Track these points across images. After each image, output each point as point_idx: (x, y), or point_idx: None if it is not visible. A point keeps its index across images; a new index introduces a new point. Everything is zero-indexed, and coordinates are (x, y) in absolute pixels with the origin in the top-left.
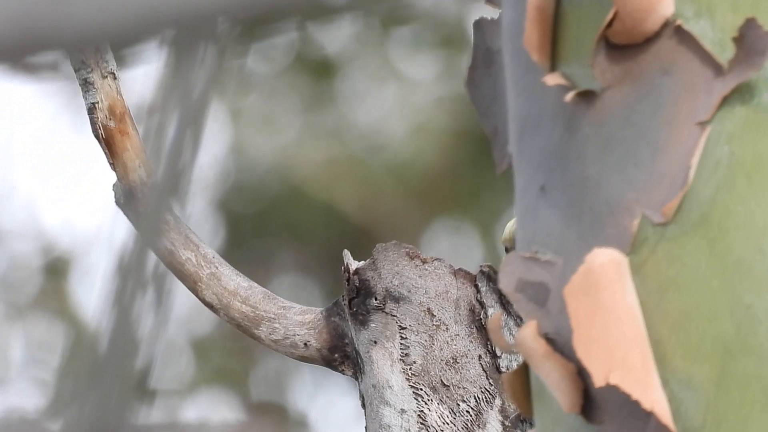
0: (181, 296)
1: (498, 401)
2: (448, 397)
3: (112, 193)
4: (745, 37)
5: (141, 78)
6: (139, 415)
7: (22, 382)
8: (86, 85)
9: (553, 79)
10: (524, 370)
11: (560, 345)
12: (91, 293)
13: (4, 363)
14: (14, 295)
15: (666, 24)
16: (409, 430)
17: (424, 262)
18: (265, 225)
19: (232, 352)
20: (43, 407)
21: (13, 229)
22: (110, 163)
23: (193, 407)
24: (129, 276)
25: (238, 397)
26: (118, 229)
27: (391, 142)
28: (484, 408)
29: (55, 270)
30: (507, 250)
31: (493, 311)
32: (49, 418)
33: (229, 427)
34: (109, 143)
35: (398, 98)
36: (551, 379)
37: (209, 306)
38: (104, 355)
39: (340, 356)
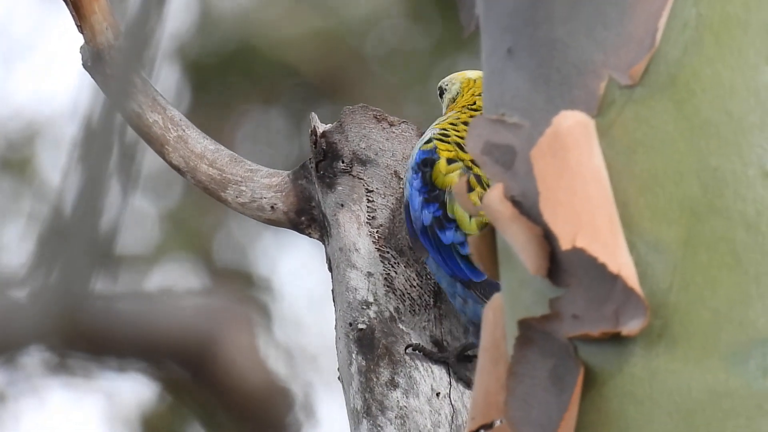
0: (147, 161)
1: None
2: (414, 260)
3: (80, 56)
4: None
5: None
6: (105, 282)
7: None
8: None
9: None
10: (491, 232)
11: (527, 208)
12: (58, 158)
13: None
14: None
15: None
16: (376, 293)
17: (391, 124)
18: (230, 84)
19: (196, 219)
20: (10, 273)
21: None
22: (78, 26)
23: (158, 274)
24: (96, 140)
25: (202, 263)
26: (85, 93)
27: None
28: None
29: (21, 135)
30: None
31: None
32: (15, 283)
33: (194, 292)
34: (76, 6)
35: None
36: (517, 242)
37: (176, 169)
38: (71, 221)
39: (307, 219)
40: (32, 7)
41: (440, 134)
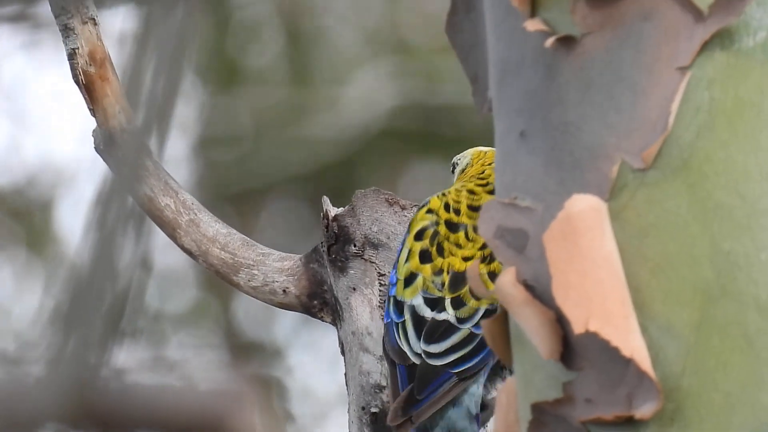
0: (164, 237)
1: None
2: None
3: (92, 139)
4: None
5: (120, 23)
6: (119, 355)
7: (3, 322)
8: (66, 31)
9: (533, 25)
10: (503, 316)
11: (539, 292)
12: (72, 235)
13: None
14: None
15: None
16: (388, 377)
17: (403, 208)
18: (243, 170)
19: (214, 292)
20: (25, 347)
21: None
22: (90, 109)
23: (175, 345)
24: (107, 218)
25: (219, 336)
26: (97, 174)
27: (370, 85)
28: None
29: (35, 210)
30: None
31: None
32: (30, 359)
33: (210, 365)
34: (89, 89)
35: (376, 39)
36: (530, 326)
37: (188, 252)
38: (85, 295)
39: (319, 303)
40: (46, 76)
41: (440, 193)
